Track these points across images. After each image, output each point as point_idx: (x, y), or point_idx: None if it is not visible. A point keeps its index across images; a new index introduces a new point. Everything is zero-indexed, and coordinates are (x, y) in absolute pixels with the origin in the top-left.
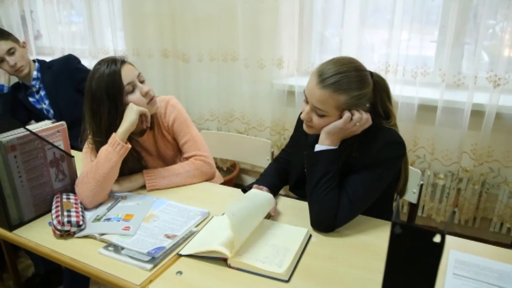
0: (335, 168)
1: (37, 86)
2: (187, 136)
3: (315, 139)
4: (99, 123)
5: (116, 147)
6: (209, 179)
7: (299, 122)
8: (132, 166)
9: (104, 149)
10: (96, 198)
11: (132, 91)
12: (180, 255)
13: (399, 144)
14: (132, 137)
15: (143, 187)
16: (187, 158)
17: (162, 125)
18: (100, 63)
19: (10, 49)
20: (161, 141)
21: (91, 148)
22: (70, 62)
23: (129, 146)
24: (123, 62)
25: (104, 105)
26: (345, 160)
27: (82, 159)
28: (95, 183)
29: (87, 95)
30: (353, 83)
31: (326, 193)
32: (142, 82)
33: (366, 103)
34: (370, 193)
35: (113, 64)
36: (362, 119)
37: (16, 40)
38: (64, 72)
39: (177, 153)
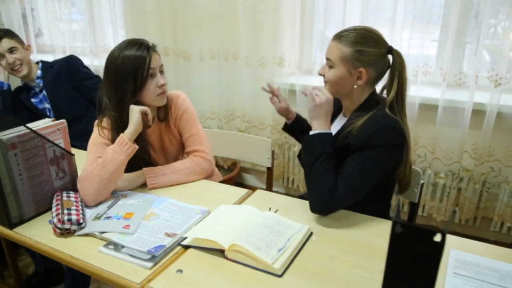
0: (330, 150)
1: (41, 85)
2: (193, 130)
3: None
4: (122, 98)
5: (123, 146)
6: (208, 176)
7: None
8: (138, 160)
9: (111, 148)
10: (99, 196)
11: (151, 77)
12: (183, 246)
13: (394, 132)
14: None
15: (144, 185)
16: (188, 153)
17: (171, 117)
18: (130, 42)
19: (12, 47)
20: (166, 135)
21: (99, 133)
22: (70, 62)
23: (137, 146)
24: (153, 49)
25: (130, 83)
26: (345, 138)
27: (87, 152)
28: (99, 180)
29: (111, 70)
30: (359, 38)
31: (322, 174)
32: (161, 73)
33: (372, 66)
34: (366, 177)
35: (145, 49)
36: (321, 98)
37: (21, 42)
38: (64, 71)
39: (180, 150)
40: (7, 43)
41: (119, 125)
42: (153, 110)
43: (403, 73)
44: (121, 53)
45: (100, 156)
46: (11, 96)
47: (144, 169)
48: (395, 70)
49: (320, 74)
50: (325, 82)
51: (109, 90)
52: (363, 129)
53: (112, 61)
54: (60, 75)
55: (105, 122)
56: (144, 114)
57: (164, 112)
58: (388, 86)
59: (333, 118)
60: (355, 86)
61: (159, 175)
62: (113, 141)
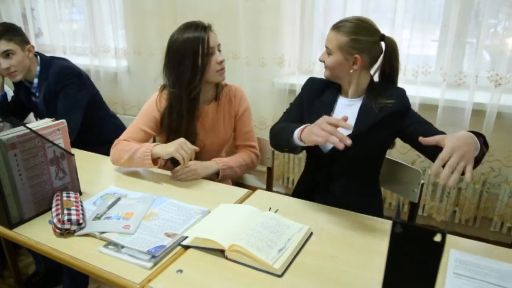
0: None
1: (36, 86)
2: (250, 127)
3: (330, 98)
4: (180, 76)
5: (146, 159)
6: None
7: (311, 86)
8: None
9: (140, 151)
10: (119, 164)
11: (211, 55)
12: (183, 246)
13: None
14: (196, 108)
15: (144, 185)
16: (241, 146)
17: (233, 107)
18: (187, 25)
19: (7, 50)
20: (222, 118)
21: (156, 102)
22: (60, 80)
23: (155, 167)
24: (209, 28)
25: (188, 62)
26: (379, 110)
27: (139, 114)
28: (123, 162)
29: (171, 51)
30: (354, 28)
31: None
32: (219, 51)
33: (365, 52)
34: None
35: (202, 30)
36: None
37: (21, 43)
38: (53, 92)
39: (230, 134)
40: (3, 45)
41: (176, 102)
42: (212, 89)
43: (393, 57)
44: (180, 36)
45: (144, 128)
46: (7, 103)
47: (216, 159)
48: (387, 55)
49: (321, 61)
50: (325, 67)
51: (168, 70)
52: (393, 97)
53: (172, 43)
54: (51, 94)
55: (166, 92)
56: (179, 153)
57: (219, 93)
58: (381, 68)
59: (332, 100)
60: (351, 71)
61: (228, 167)
62: (162, 115)
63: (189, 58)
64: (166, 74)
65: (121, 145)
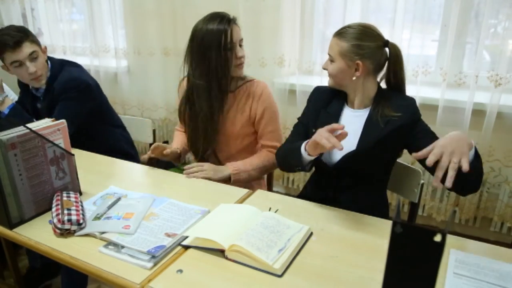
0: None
1: (42, 92)
2: (274, 127)
3: (336, 109)
4: (208, 68)
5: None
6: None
7: (317, 96)
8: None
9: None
10: None
11: (232, 49)
12: (183, 246)
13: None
14: (225, 99)
15: (143, 185)
16: (264, 146)
17: (249, 104)
18: (212, 16)
19: (33, 52)
20: (234, 111)
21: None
22: (63, 92)
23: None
24: (233, 22)
25: (212, 54)
26: (385, 123)
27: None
28: None
29: (195, 41)
30: (355, 34)
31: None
32: (241, 46)
33: (368, 59)
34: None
35: (226, 23)
36: None
37: (39, 44)
38: (56, 102)
39: (236, 130)
40: (28, 47)
41: (205, 93)
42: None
43: (397, 65)
44: (205, 26)
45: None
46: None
47: (228, 164)
48: (391, 61)
49: (324, 68)
50: (329, 75)
51: (194, 61)
52: (400, 109)
53: (196, 33)
54: (53, 103)
55: (185, 82)
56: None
57: (238, 86)
58: (386, 76)
59: (338, 110)
60: (354, 78)
61: (242, 171)
62: (180, 105)
63: (212, 50)
64: (191, 65)
65: (175, 133)
